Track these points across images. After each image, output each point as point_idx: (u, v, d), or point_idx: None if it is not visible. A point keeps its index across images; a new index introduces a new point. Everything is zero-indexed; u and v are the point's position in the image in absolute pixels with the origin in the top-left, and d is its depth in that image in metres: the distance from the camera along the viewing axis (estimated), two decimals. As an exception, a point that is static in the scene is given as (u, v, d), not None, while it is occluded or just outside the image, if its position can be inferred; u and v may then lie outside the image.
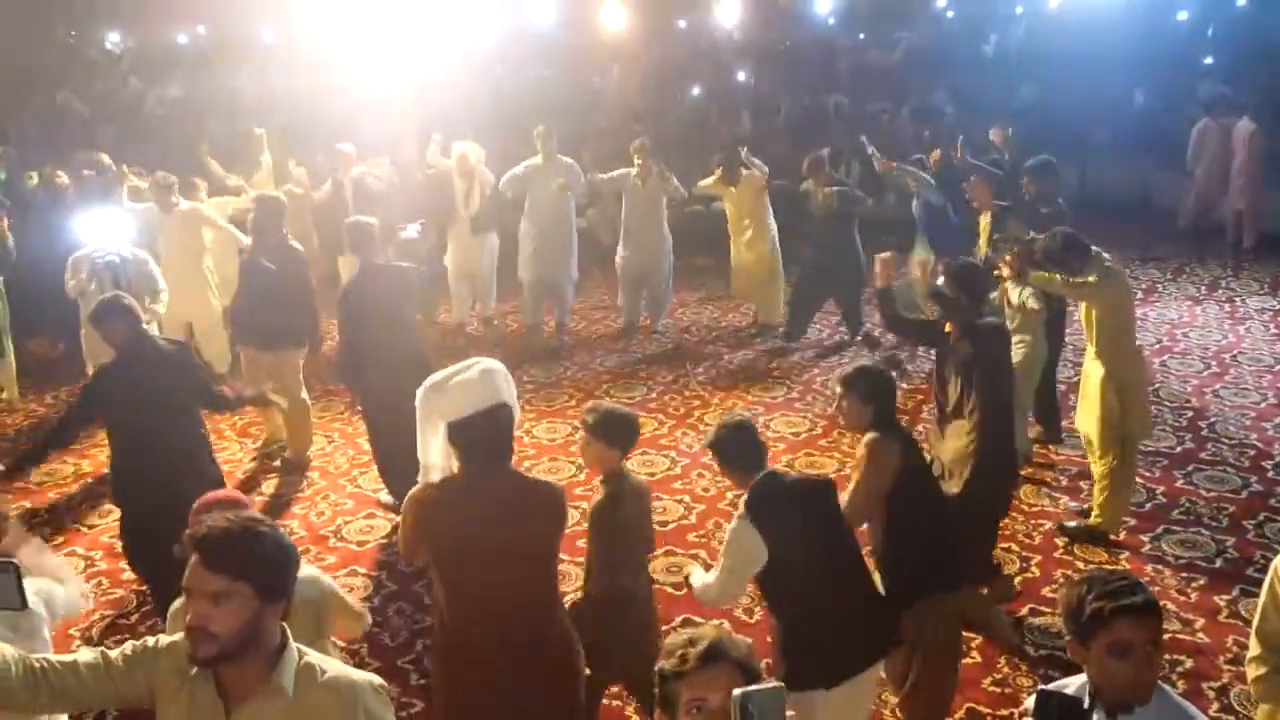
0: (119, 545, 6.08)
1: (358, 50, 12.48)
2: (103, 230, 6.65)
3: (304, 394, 7.23)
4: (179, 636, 2.32)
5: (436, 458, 3.29)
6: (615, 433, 3.81)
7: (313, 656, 2.35)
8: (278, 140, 11.01)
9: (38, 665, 2.26)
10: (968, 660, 4.83)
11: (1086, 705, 2.38)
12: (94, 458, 7.42)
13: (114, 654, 2.32)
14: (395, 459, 6.21)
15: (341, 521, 6.37)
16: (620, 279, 9.66)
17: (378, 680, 2.40)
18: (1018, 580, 5.44)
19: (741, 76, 17.93)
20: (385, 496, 6.47)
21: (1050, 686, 2.46)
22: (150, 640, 2.35)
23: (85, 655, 2.32)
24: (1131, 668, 2.35)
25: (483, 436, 3.21)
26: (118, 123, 15.15)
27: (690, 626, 5.00)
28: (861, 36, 21.21)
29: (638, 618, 3.92)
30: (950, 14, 23.80)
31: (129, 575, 5.83)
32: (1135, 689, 2.36)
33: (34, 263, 8.36)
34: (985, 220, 7.35)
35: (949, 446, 4.86)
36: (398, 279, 6.31)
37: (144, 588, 5.68)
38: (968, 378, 4.80)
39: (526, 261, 9.31)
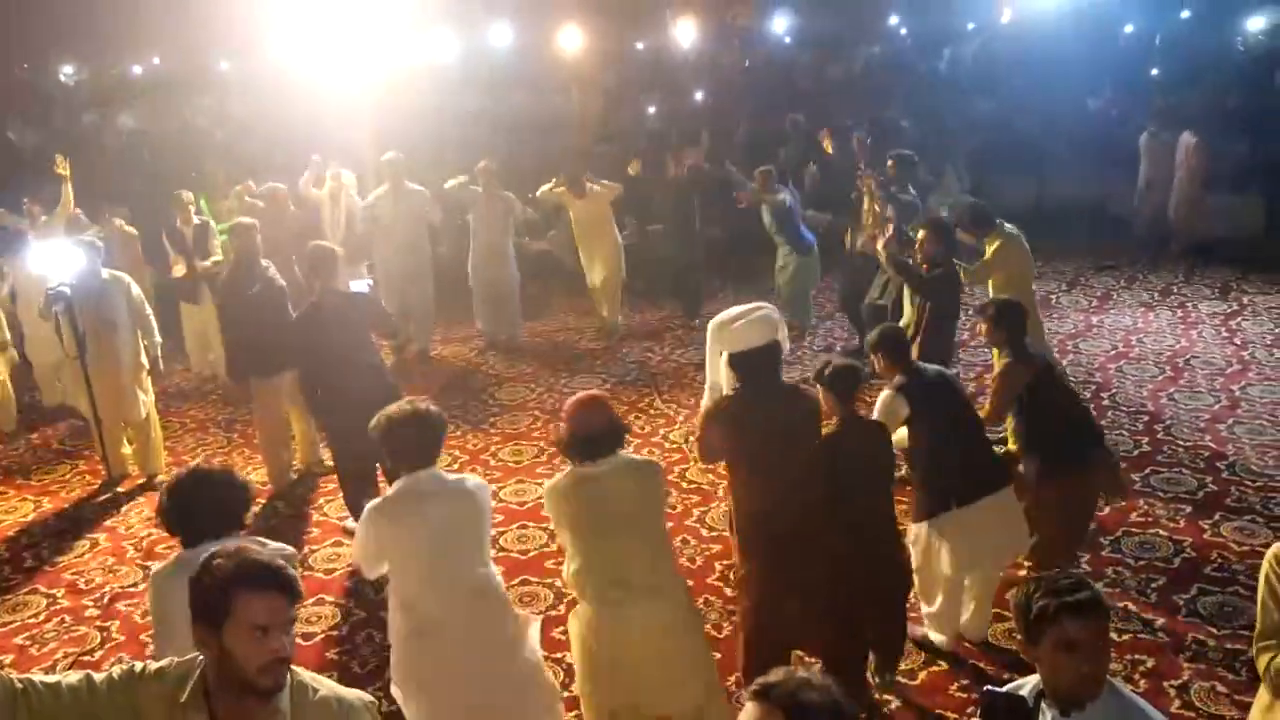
0: (80, 582, 6.07)
1: (315, 75, 12.48)
2: (53, 262, 6.61)
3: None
4: (166, 662, 2.31)
5: (719, 379, 4.24)
6: (836, 382, 4.40)
7: (304, 675, 2.36)
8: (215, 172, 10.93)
9: (18, 684, 2.23)
10: (934, 669, 4.89)
11: (1034, 703, 2.43)
12: (54, 494, 7.35)
13: (99, 677, 2.29)
14: (360, 483, 6.19)
15: (308, 550, 6.34)
16: (475, 296, 9.87)
17: (368, 697, 2.42)
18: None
19: (699, 96, 18.08)
20: (351, 524, 6.43)
21: (1006, 688, 2.51)
22: (138, 666, 2.33)
23: (71, 677, 2.29)
24: (1078, 663, 2.41)
25: (757, 365, 4.02)
26: (74, 156, 15.01)
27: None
28: (817, 55, 21.45)
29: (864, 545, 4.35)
30: (904, 30, 24.18)
31: (92, 612, 5.78)
32: (1083, 684, 2.42)
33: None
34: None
35: None
36: (357, 304, 6.27)
37: (106, 624, 5.64)
38: None
39: (388, 291, 9.39)
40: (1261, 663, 3.04)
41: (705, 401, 4.47)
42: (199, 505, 3.29)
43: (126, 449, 7.39)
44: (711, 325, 4.16)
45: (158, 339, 7.21)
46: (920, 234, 6.48)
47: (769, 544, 4.07)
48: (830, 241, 9.49)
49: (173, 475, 3.51)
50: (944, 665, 4.90)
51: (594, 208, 9.67)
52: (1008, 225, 7.13)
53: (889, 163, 8.60)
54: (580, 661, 3.93)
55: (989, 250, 7.09)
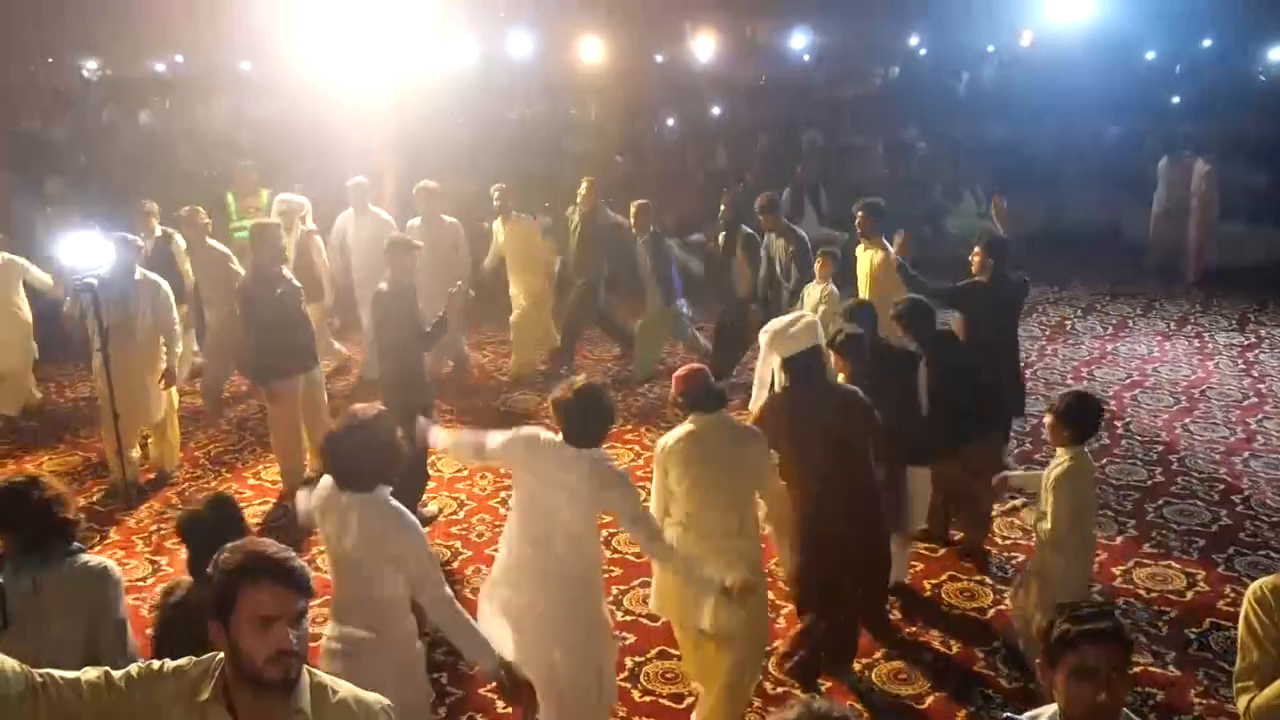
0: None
1: (336, 81, 12.54)
2: (79, 252, 6.62)
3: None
4: (185, 661, 2.31)
5: (766, 379, 4.97)
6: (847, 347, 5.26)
7: (322, 676, 2.36)
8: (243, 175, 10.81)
9: (39, 678, 2.22)
10: (940, 694, 4.86)
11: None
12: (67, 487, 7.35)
13: (117, 674, 2.28)
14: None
15: (316, 551, 6.31)
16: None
17: (385, 701, 2.42)
18: (990, 612, 5.49)
19: (716, 111, 18.14)
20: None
21: (1024, 716, 2.49)
22: (155, 664, 2.32)
23: (90, 673, 2.28)
24: (1095, 692, 2.38)
25: (805, 366, 4.74)
26: (90, 151, 15.10)
27: (665, 658, 5.04)
28: (835, 73, 21.51)
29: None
30: (923, 51, 24.24)
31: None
32: (1099, 714, 2.40)
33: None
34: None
35: None
36: (398, 299, 6.36)
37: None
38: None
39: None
40: (1241, 704, 3.02)
41: (754, 403, 5.07)
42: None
43: (136, 451, 7.37)
44: (768, 333, 4.85)
45: (178, 349, 7.19)
46: (976, 249, 6.73)
47: (819, 512, 4.72)
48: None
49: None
50: (952, 689, 4.88)
51: (520, 234, 9.16)
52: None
53: (757, 204, 8.42)
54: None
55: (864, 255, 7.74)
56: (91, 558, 3.53)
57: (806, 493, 4.72)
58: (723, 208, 8.90)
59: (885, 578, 5.19)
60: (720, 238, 8.94)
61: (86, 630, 3.39)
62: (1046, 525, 4.51)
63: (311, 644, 3.82)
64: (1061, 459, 4.55)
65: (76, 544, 3.51)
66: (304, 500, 3.98)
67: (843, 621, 4.99)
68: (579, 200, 9.28)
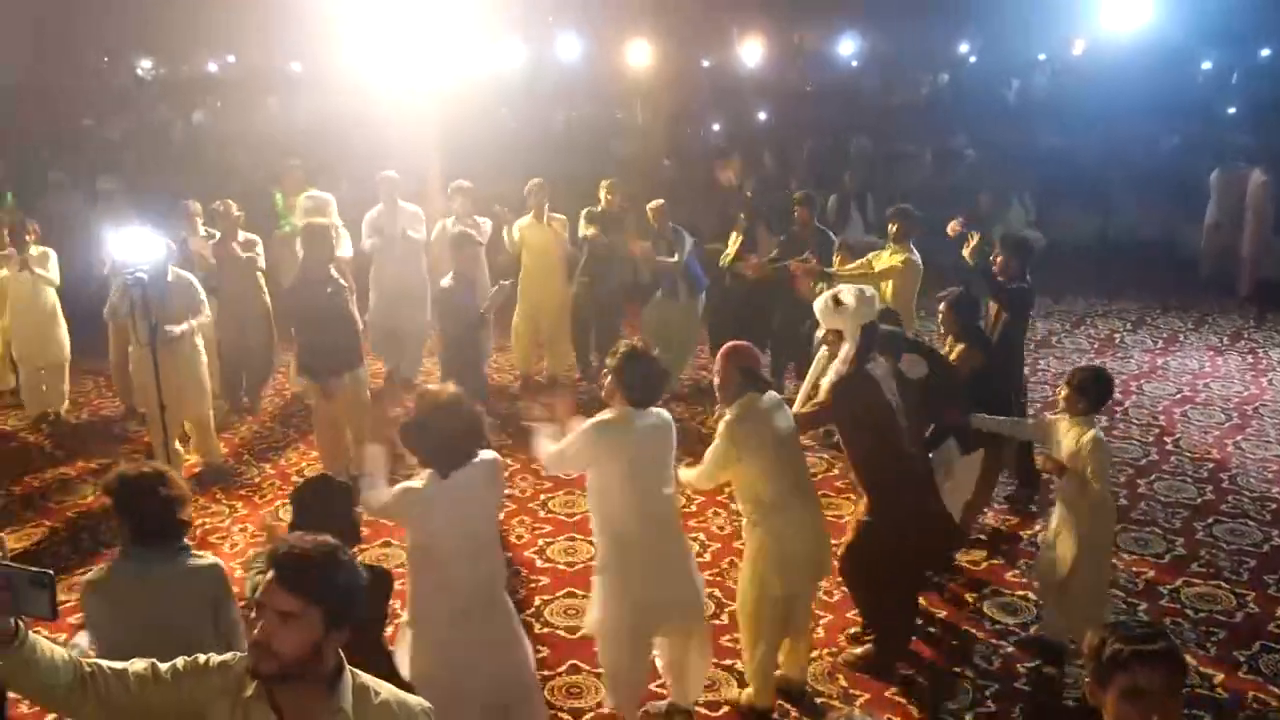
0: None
1: (385, 83, 12.63)
2: (130, 248, 6.72)
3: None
4: (229, 656, 2.34)
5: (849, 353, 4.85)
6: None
7: (364, 678, 2.37)
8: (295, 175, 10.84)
9: (88, 669, 2.26)
10: (981, 710, 4.80)
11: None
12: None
13: (164, 667, 2.32)
14: None
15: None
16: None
17: (426, 704, 2.43)
18: (1033, 627, 5.40)
19: (763, 116, 18.06)
20: None
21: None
22: (202, 657, 2.35)
23: (137, 665, 2.31)
24: (1146, 714, 2.31)
25: (876, 334, 4.91)
26: (143, 150, 15.32)
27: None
28: (884, 80, 21.36)
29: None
30: (973, 59, 24.01)
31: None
32: None
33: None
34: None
35: None
36: (466, 292, 6.84)
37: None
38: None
39: (380, 310, 9.16)
40: None
41: (831, 377, 4.95)
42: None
43: (179, 445, 7.46)
44: (854, 299, 4.86)
45: (187, 327, 7.18)
46: (997, 247, 6.78)
47: (892, 476, 4.85)
48: None
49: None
50: (993, 706, 4.81)
51: (556, 237, 9.02)
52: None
53: (796, 195, 8.84)
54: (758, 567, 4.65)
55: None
56: (201, 557, 3.53)
57: (892, 468, 4.83)
58: (743, 202, 9.04)
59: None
60: (734, 240, 8.96)
61: (189, 628, 3.35)
62: (1095, 485, 4.80)
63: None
64: (1085, 428, 4.89)
65: (185, 543, 3.51)
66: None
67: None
68: (605, 203, 9.09)
